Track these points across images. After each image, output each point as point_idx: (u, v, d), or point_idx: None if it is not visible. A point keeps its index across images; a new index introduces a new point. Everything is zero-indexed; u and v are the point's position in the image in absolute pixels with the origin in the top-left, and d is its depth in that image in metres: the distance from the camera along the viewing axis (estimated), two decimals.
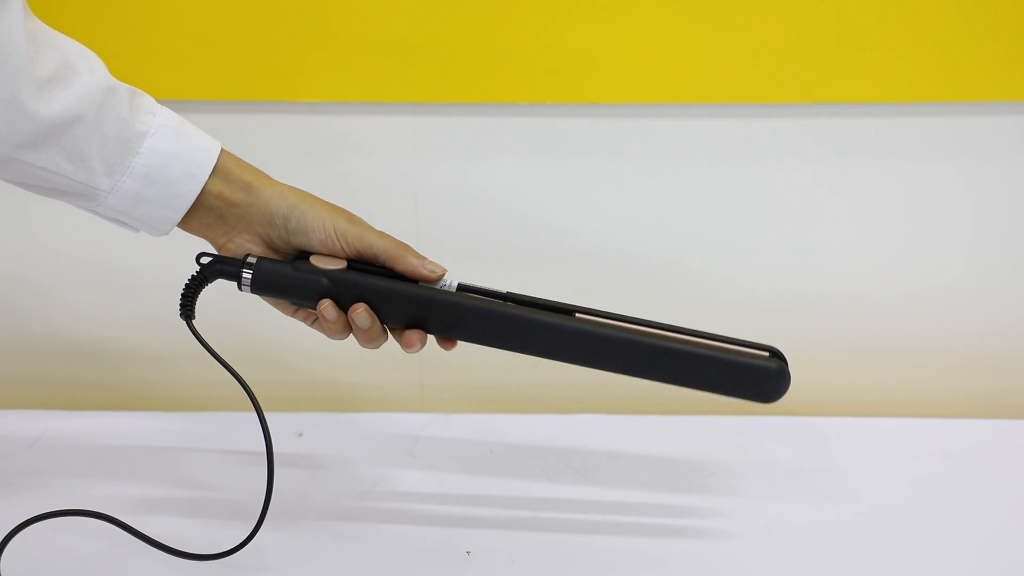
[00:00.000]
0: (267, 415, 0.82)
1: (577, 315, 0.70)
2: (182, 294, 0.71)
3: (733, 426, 0.86)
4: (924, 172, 0.87)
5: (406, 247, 0.71)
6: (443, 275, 0.71)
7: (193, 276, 0.71)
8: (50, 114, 0.66)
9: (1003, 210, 0.88)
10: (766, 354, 0.70)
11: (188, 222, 0.71)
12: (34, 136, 0.66)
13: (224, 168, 0.71)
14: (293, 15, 0.83)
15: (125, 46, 0.84)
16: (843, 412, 0.92)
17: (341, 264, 0.70)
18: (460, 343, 0.71)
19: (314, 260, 0.70)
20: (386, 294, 0.70)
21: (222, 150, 0.71)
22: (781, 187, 0.88)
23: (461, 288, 0.70)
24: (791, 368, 0.89)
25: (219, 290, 0.72)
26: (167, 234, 0.71)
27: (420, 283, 0.70)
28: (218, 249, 0.72)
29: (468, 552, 0.72)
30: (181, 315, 0.70)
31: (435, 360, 0.93)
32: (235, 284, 0.70)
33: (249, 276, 0.70)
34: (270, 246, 0.72)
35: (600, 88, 0.84)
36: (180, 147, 0.70)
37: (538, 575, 0.70)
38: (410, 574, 0.70)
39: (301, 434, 0.87)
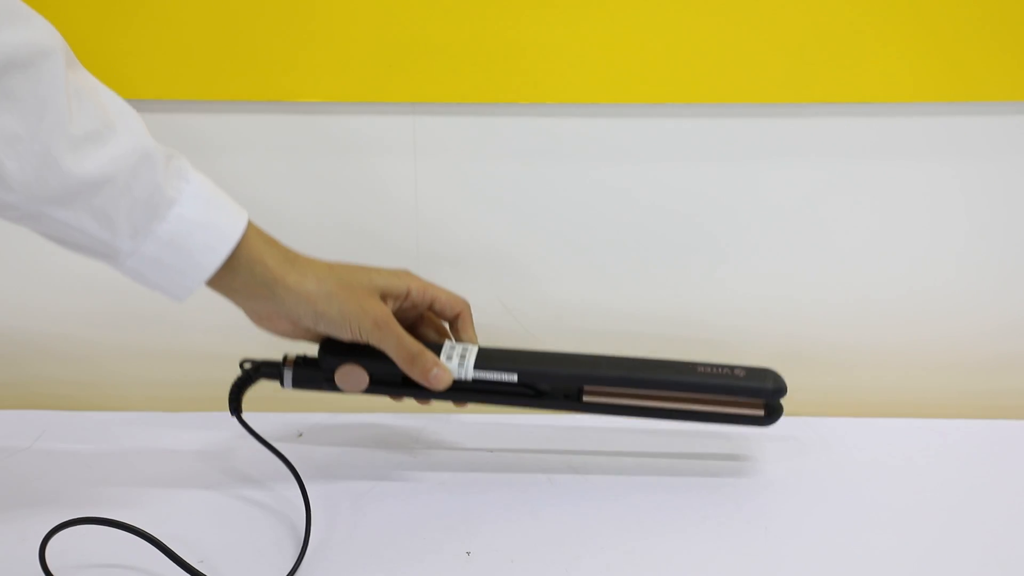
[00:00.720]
0: (268, 415, 0.83)
1: (585, 397, 0.79)
2: (230, 394, 0.78)
3: (734, 427, 0.86)
4: (925, 172, 0.87)
5: (419, 352, 0.76)
6: (450, 382, 0.77)
7: (238, 378, 0.78)
8: (83, 173, 0.65)
9: (1003, 210, 0.88)
10: (760, 412, 0.78)
11: (214, 286, 0.72)
12: (63, 193, 0.65)
13: (248, 258, 0.71)
14: (291, 14, 0.83)
15: (121, 43, 0.84)
16: (842, 412, 0.92)
17: (363, 384, 0.77)
18: None
19: (339, 380, 0.77)
20: (407, 394, 0.79)
21: (249, 224, 0.71)
22: (782, 187, 0.88)
23: (477, 367, 0.77)
24: (791, 367, 0.90)
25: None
26: (182, 300, 0.71)
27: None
28: (243, 311, 0.75)
29: (468, 552, 0.72)
30: (231, 412, 0.78)
31: None
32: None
33: (290, 378, 0.78)
34: (297, 326, 0.75)
35: (601, 87, 0.84)
36: (207, 217, 0.69)
37: None
38: (410, 575, 0.70)
39: (301, 434, 0.87)
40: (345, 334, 0.75)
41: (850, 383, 0.94)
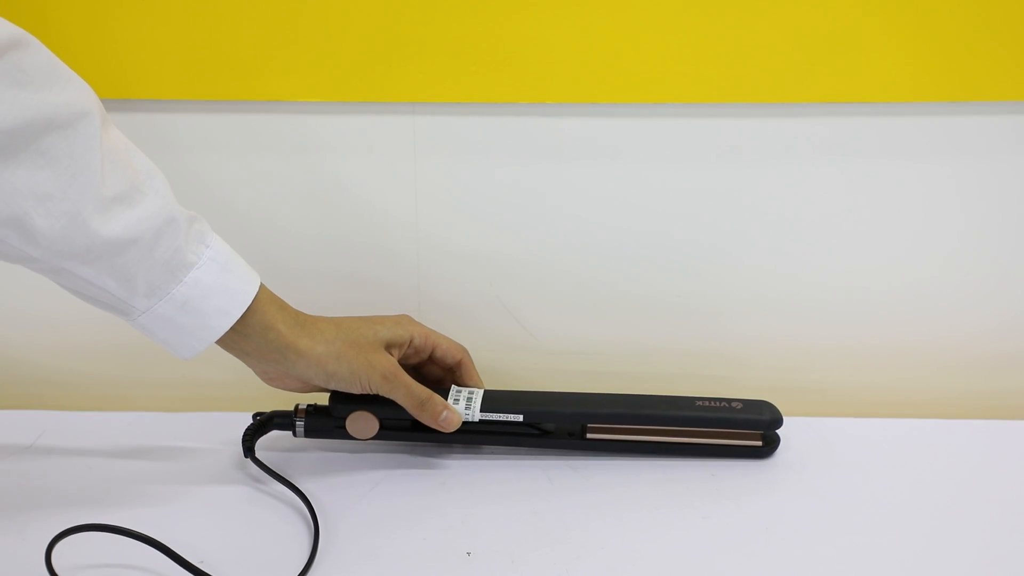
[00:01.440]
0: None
1: (588, 435, 0.82)
2: (243, 441, 0.81)
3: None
4: (923, 172, 0.87)
5: (428, 398, 0.78)
6: (459, 424, 0.80)
7: (249, 427, 0.81)
8: (109, 234, 0.66)
9: (1002, 210, 0.88)
10: (758, 443, 0.82)
11: (225, 347, 0.74)
12: (88, 252, 0.66)
13: (260, 323, 0.73)
14: (286, 11, 0.82)
15: (112, 41, 0.84)
16: (842, 412, 0.92)
17: (373, 430, 0.81)
18: None
19: (350, 428, 0.81)
20: (416, 438, 0.82)
21: (261, 288, 0.73)
22: (780, 187, 0.88)
23: (484, 409, 0.81)
24: (791, 367, 0.90)
25: None
26: (186, 359, 0.73)
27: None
28: (254, 371, 0.77)
29: (468, 553, 0.72)
30: (244, 455, 0.80)
31: None
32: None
33: (302, 428, 0.82)
34: (308, 384, 0.78)
35: (602, 87, 0.84)
36: (222, 281, 0.71)
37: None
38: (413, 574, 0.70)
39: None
40: (356, 389, 0.78)
41: (850, 383, 0.94)
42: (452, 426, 0.79)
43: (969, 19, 0.81)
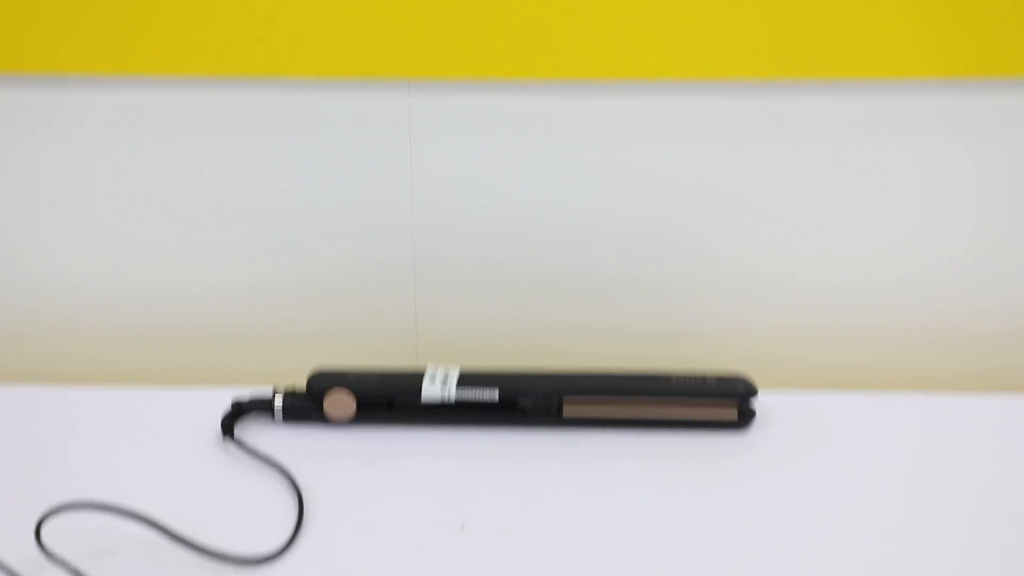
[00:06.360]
0: (252, 390, 0.83)
1: (564, 411, 0.82)
2: (221, 426, 0.81)
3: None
4: (921, 150, 0.87)
5: None
6: None
7: (227, 414, 0.82)
8: None
9: (1010, 189, 0.88)
10: (734, 415, 0.82)
11: None
12: None
13: None
14: None
15: (102, 15, 0.83)
16: (841, 388, 0.91)
17: (351, 409, 0.82)
18: None
19: (328, 408, 0.82)
20: (391, 419, 0.83)
21: None
22: (784, 166, 0.87)
23: (460, 386, 0.81)
24: (790, 345, 0.90)
25: None
26: None
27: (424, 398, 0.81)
28: None
29: (462, 525, 0.72)
30: (224, 437, 0.81)
31: (430, 322, 0.93)
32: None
33: (280, 412, 0.82)
34: None
35: (603, 64, 0.83)
36: None
37: (532, 549, 0.70)
38: (404, 547, 0.70)
39: None
40: None
41: (848, 360, 0.94)
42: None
43: None
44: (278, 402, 0.82)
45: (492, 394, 0.82)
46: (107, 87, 0.85)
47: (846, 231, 0.89)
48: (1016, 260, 0.90)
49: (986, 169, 0.87)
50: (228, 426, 0.81)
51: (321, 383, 0.82)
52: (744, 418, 0.83)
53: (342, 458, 0.80)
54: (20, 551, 0.65)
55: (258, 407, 0.83)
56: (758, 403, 0.83)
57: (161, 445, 0.81)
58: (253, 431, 0.83)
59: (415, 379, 0.82)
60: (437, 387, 0.81)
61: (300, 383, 0.83)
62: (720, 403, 0.82)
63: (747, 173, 0.88)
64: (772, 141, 0.87)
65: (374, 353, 0.94)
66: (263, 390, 0.84)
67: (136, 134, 0.87)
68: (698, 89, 0.85)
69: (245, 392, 0.84)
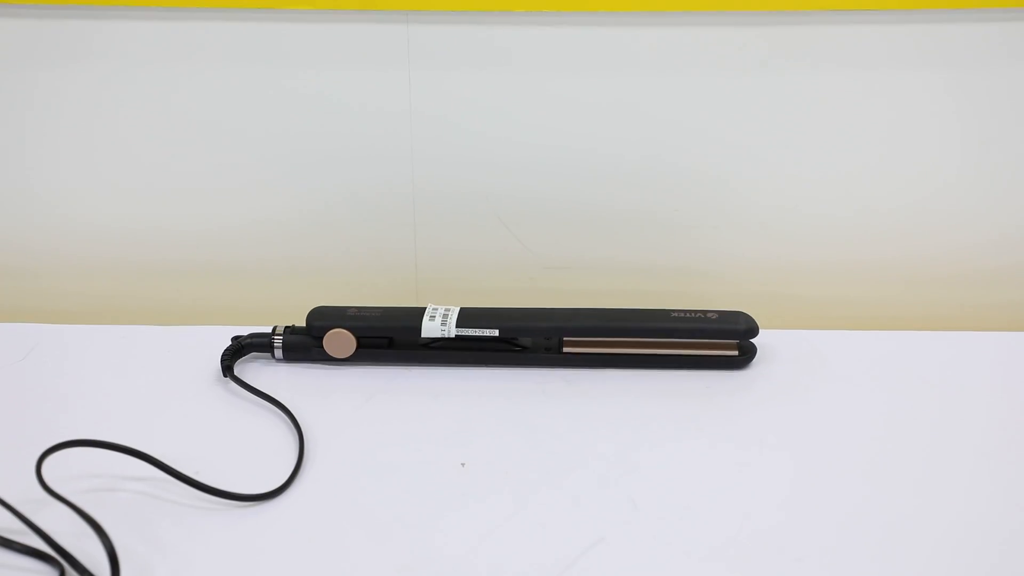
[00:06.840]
0: (252, 329, 0.83)
1: (564, 349, 0.82)
2: (221, 363, 0.81)
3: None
4: (922, 81, 0.85)
5: None
6: None
7: (227, 349, 0.82)
8: None
9: (996, 121, 0.87)
10: (734, 352, 0.82)
11: None
12: None
13: None
14: None
15: None
16: (839, 326, 0.91)
17: (351, 347, 0.82)
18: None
19: (327, 346, 0.82)
20: (391, 358, 0.83)
21: None
22: (779, 99, 0.86)
23: (460, 325, 0.81)
24: (786, 284, 0.89)
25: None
26: None
27: (422, 337, 0.81)
28: None
29: (463, 464, 0.72)
30: (223, 375, 0.81)
31: (429, 263, 0.93)
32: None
33: (280, 349, 0.82)
34: None
35: None
36: None
37: (533, 487, 0.70)
38: (404, 486, 0.70)
39: None
40: None
41: (849, 297, 0.93)
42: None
43: None
44: (278, 340, 0.82)
45: (492, 332, 0.82)
46: (107, 16, 0.84)
47: (847, 164, 0.89)
48: (1016, 194, 0.90)
49: (984, 100, 0.86)
50: (228, 364, 0.81)
51: (321, 321, 0.82)
52: (745, 355, 0.83)
53: (342, 396, 0.80)
54: (21, 489, 0.65)
55: (258, 345, 0.83)
56: (758, 341, 0.83)
57: (161, 383, 0.81)
58: (253, 369, 0.83)
59: (415, 317, 0.82)
60: (437, 325, 0.81)
61: (300, 321, 0.83)
62: (721, 340, 0.82)
63: (749, 106, 0.87)
64: (773, 72, 0.85)
65: (374, 291, 0.94)
66: (263, 328, 0.84)
67: (132, 65, 0.86)
68: (699, 19, 0.84)
69: (245, 330, 0.84)
